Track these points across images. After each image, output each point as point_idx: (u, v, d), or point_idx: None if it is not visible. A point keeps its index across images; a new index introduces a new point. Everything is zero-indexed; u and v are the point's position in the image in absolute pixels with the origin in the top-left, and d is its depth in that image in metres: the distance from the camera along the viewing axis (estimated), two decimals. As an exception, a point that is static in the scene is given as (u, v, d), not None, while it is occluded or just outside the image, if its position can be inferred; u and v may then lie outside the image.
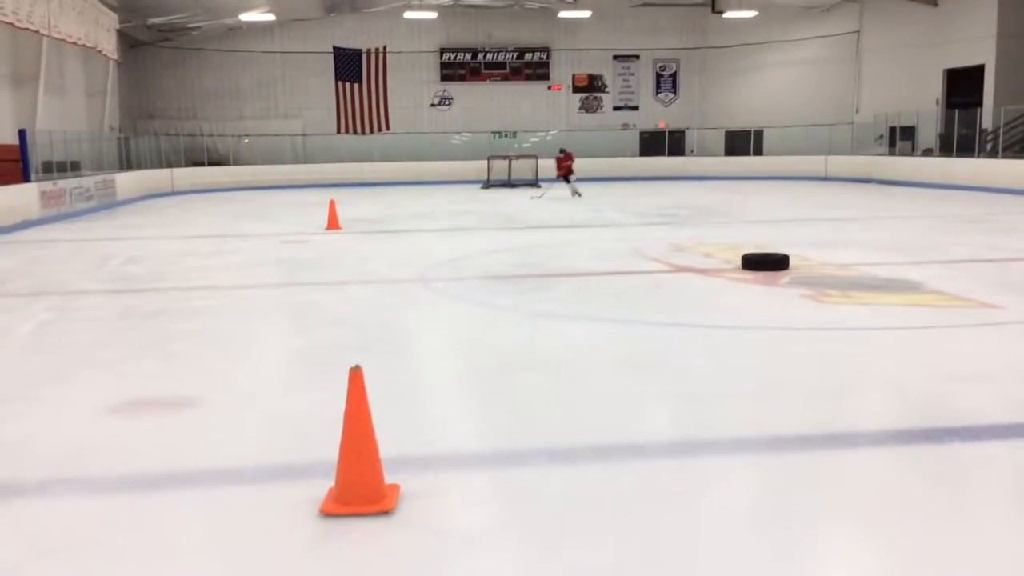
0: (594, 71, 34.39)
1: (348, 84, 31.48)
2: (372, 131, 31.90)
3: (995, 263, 10.42)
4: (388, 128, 32.06)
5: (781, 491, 3.78)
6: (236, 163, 30.75)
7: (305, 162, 31.38)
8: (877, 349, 6.25)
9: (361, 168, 30.84)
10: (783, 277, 9.21)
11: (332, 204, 15.79)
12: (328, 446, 3.74)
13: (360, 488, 3.60)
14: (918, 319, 7.18)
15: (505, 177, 28.33)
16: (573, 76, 34.40)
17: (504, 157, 29.12)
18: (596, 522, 3.48)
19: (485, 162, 28.95)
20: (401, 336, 6.98)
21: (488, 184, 28.17)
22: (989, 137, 25.09)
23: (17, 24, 17.00)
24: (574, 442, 4.43)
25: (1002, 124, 24.35)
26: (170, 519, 3.63)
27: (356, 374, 3.65)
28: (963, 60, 26.84)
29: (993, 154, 24.55)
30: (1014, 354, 6.03)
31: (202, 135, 30.97)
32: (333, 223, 15.22)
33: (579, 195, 22.35)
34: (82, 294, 9.31)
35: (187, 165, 29.65)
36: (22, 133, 17.68)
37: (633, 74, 34.62)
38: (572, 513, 3.57)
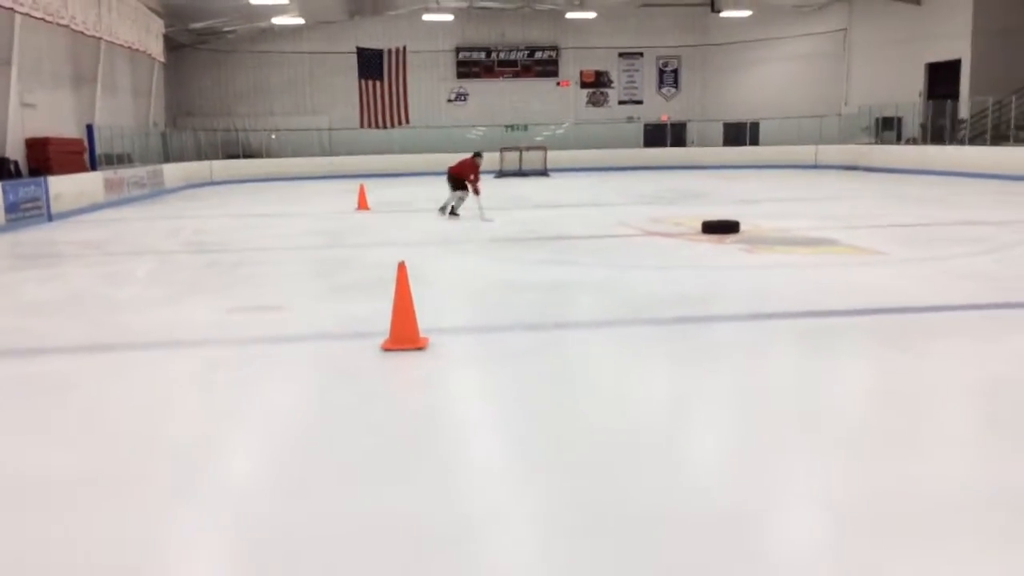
0: (600, 68, 36.63)
1: (371, 81, 33.88)
2: (393, 125, 34.28)
3: (911, 227, 12.61)
4: (408, 122, 34.42)
5: (673, 341, 6.06)
6: (268, 156, 33.22)
7: (331, 154, 33.74)
8: (770, 275, 8.52)
9: (384, 160, 33.15)
10: (731, 238, 11.43)
11: (362, 188, 18.12)
12: (378, 325, 6.04)
13: (404, 336, 5.89)
14: (817, 260, 9.45)
15: (516, 167, 30.60)
16: (581, 72, 36.64)
17: (515, 149, 31.36)
18: (543, 357, 5.78)
19: (498, 153, 31.24)
20: (428, 273, 9.25)
21: (501, 173, 30.42)
22: (963, 126, 27.15)
23: (85, 32, 19.40)
24: (540, 321, 6.73)
25: (969, 115, 26.44)
26: (291, 357, 5.96)
27: (402, 266, 5.95)
28: (942, 55, 28.85)
29: (965, 142, 26.60)
30: (863, 279, 8.28)
31: (236, 130, 33.41)
32: (363, 204, 17.53)
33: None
34: (172, 253, 11.70)
35: (223, 158, 32.09)
36: (89, 128, 20.11)
37: (637, 70, 36.82)
38: (532, 355, 5.87)
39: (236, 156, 32.70)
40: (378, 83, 33.99)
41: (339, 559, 3.01)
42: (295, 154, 33.19)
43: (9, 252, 12.35)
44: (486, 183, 15.85)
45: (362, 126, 34.13)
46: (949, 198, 17.68)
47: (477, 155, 14.94)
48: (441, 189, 15.77)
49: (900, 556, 2.95)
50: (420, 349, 5.80)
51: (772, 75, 35.17)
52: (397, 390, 5.18)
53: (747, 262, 9.45)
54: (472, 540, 3.15)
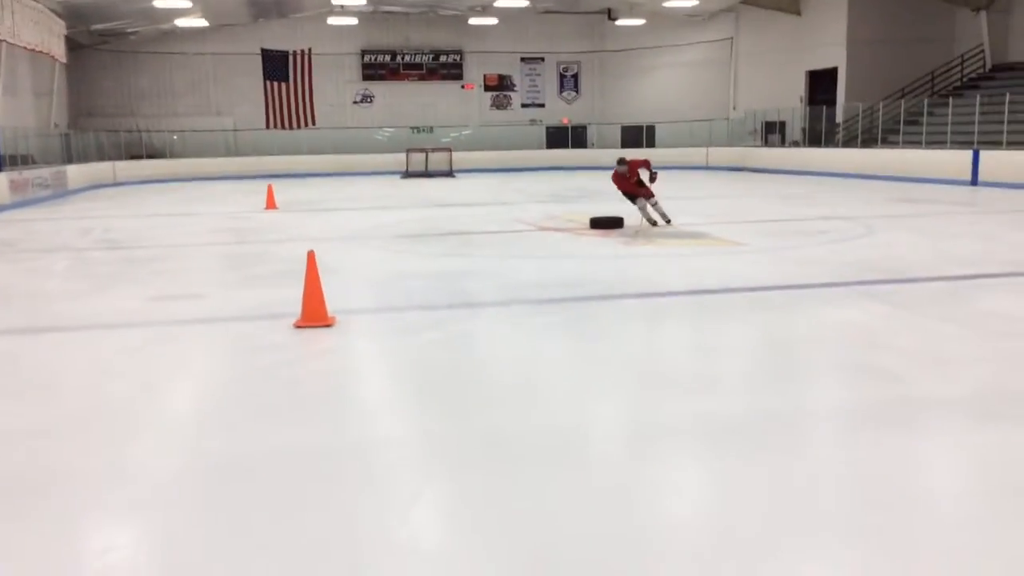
0: (503, 72, 37.77)
1: (276, 83, 34.27)
2: (299, 126, 34.73)
3: (775, 222, 14.03)
4: (314, 123, 34.91)
5: (546, 315, 7.09)
6: (172, 156, 33.24)
7: (237, 155, 33.97)
8: (639, 263, 9.67)
9: (290, 160, 33.56)
10: (616, 232, 12.58)
11: (270, 187, 18.75)
12: (290, 308, 6.90)
13: (314, 314, 6.76)
14: (685, 250, 10.68)
15: (423, 168, 31.45)
16: (484, 76, 37.70)
17: (421, 150, 32.20)
18: (434, 330, 6.74)
19: (404, 154, 32.02)
20: (335, 263, 10.08)
21: (407, 174, 31.24)
22: (838, 130, 29.22)
23: (-12, 34, 19.49)
24: (432, 302, 7.69)
25: (841, 120, 28.55)
26: (212, 334, 6.77)
27: (311, 253, 6.82)
28: (821, 63, 30.93)
29: (838, 144, 28.66)
30: (719, 265, 9.50)
31: (139, 131, 33.32)
32: (271, 203, 18.16)
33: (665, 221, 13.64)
34: (86, 250, 12.21)
35: (127, 159, 31.99)
36: (-4, 130, 20.16)
37: (539, 74, 38.09)
38: (425, 329, 6.82)
39: (140, 157, 32.65)
40: (283, 84, 34.39)
41: (257, 477, 3.90)
42: (199, 155, 33.32)
43: (-80, 251, 12.66)
44: (393, 184, 16.66)
45: (268, 127, 34.47)
46: (817, 196, 19.31)
47: (619, 162, 13.40)
48: (349, 188, 16.51)
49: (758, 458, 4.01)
50: (328, 326, 6.68)
51: (666, 81, 36.90)
52: (307, 356, 6.06)
53: (622, 252, 10.58)
54: (363, 461, 4.07)
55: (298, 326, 6.65)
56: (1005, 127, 21.53)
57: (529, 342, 6.37)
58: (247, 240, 13.21)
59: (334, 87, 35.88)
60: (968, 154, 21.05)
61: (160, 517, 3.47)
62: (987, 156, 20.74)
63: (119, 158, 31.52)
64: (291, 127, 34.62)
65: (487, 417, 4.60)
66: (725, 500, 3.53)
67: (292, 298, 7.02)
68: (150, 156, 33.00)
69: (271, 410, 4.78)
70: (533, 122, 37.83)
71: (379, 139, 35.94)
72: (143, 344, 6.42)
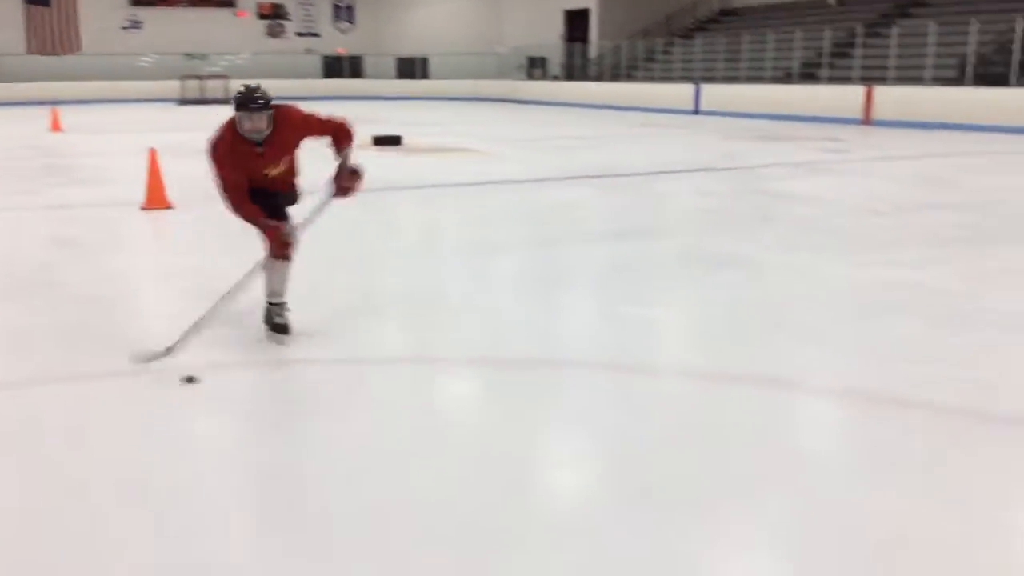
0: (277, 0, 38.24)
1: (38, 7, 33.09)
2: (65, 52, 33.79)
3: (532, 140, 16.68)
4: (80, 49, 34.06)
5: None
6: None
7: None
8: (410, 167, 11.89)
9: (59, 87, 32.65)
10: (395, 148, 14.67)
11: (55, 111, 19.20)
12: (133, 198, 8.55)
13: (158, 199, 8.45)
14: (450, 160, 13.00)
15: (198, 95, 31.80)
16: (258, 4, 38.03)
17: (197, 77, 32.46)
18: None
19: (178, 82, 32.17)
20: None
21: (183, 101, 31.53)
22: (592, 66, 32.56)
23: None
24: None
25: (595, 57, 31.93)
26: (72, 216, 8.34)
27: (152, 150, 8.49)
28: (576, 3, 34.02)
29: (593, 79, 31.99)
30: (479, 168, 11.91)
31: None
32: (56, 126, 18.68)
33: None
34: None
35: None
36: None
37: (313, 4, 38.90)
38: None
39: None
40: (46, 9, 33.26)
41: (88, 316, 5.81)
42: (-44, 80, 31.78)
43: None
44: (171, 110, 17.62)
45: (30, 52, 33.30)
46: (571, 121, 22.29)
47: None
48: (127, 115, 17.35)
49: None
50: (170, 208, 8.41)
51: (438, 14, 38.92)
52: (155, 223, 7.83)
53: (400, 161, 12.75)
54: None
55: (144, 208, 8.33)
56: (722, 64, 25.43)
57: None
58: (53, 155, 14.15)
59: (101, 12, 34.97)
60: (692, 87, 24.80)
61: None
62: (707, 89, 24.54)
63: None
64: (57, 53, 33.62)
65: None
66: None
67: (125, 194, 8.65)
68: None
69: (116, 252, 6.62)
70: (308, 52, 38.67)
71: (145, 66, 35.46)
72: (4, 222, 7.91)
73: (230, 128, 4.13)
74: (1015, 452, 3.14)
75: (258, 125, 4.06)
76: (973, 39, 19.68)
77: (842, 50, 23.41)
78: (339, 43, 39.27)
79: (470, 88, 36.44)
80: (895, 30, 21.73)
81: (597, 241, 7.16)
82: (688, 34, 30.45)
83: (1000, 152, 14.11)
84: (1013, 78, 18.62)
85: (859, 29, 23.03)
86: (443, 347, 4.42)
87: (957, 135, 16.79)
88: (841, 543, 2.46)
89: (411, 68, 38.56)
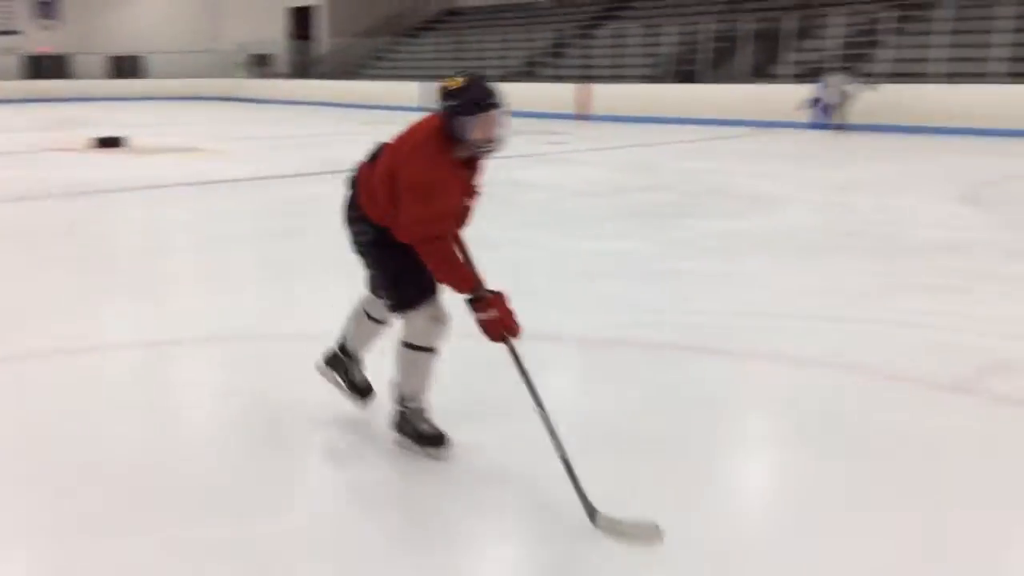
0: (-35, -6, 34.71)
1: None
2: None
3: (257, 139, 16.57)
4: None
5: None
6: None
7: None
8: (143, 169, 11.58)
9: None
10: (120, 150, 14.06)
11: None
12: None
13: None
14: (182, 158, 12.73)
15: None
16: (-59, -2, 34.30)
17: None
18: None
19: None
20: None
21: None
22: (322, 63, 32.51)
23: None
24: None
25: (324, 54, 31.94)
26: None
27: None
28: (301, 1, 33.81)
29: (319, 77, 31.90)
30: (208, 166, 11.80)
31: None
32: None
33: None
34: None
35: None
36: None
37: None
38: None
39: None
40: None
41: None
42: None
43: None
44: None
45: None
46: (295, 120, 22.36)
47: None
48: None
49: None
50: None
51: (153, 11, 37.16)
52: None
53: (128, 163, 12.32)
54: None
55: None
56: (448, 63, 26.37)
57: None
58: None
59: None
60: (415, 84, 25.53)
61: None
62: (425, 86, 25.40)
63: None
64: None
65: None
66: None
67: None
68: None
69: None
70: (8, 52, 35.36)
71: None
72: None
73: (441, 138, 2.82)
74: (711, 365, 3.91)
75: (498, 133, 2.79)
76: (668, 40, 21.94)
77: (558, 50, 25.14)
78: (44, 41, 36.24)
79: (190, 87, 35.13)
80: (604, 31, 23.70)
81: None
82: (415, 33, 31.24)
83: (694, 140, 15.98)
84: (703, 76, 20.99)
85: (572, 31, 24.86)
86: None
87: (660, 127, 18.74)
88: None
89: (125, 67, 36.43)
